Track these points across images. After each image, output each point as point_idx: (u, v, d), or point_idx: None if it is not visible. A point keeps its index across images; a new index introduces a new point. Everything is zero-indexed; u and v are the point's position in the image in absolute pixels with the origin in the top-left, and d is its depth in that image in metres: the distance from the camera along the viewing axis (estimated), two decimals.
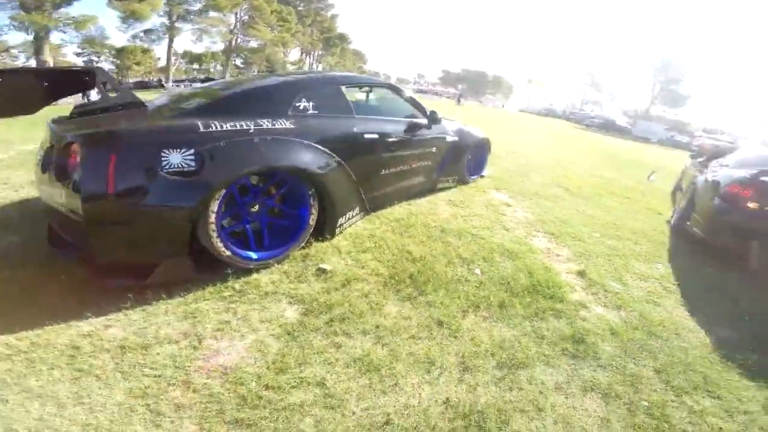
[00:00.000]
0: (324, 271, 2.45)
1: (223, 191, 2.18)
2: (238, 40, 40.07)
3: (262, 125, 2.40)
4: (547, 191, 5.41)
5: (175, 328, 1.91)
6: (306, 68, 47.21)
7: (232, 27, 38.53)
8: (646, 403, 1.77)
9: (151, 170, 2.00)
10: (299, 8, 42.18)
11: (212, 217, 2.16)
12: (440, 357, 1.89)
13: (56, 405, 1.45)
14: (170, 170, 2.02)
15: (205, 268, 2.27)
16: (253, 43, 41.00)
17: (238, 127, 2.30)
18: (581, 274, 2.91)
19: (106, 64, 32.91)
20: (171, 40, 35.79)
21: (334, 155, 2.71)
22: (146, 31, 34.82)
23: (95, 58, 33.52)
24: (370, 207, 3.34)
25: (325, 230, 2.78)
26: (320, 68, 49.54)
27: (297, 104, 2.72)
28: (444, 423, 1.55)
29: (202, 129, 2.19)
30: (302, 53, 49.72)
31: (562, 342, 2.09)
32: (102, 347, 1.74)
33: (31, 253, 2.40)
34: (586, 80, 57.71)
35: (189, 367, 1.69)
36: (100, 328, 1.85)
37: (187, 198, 2.07)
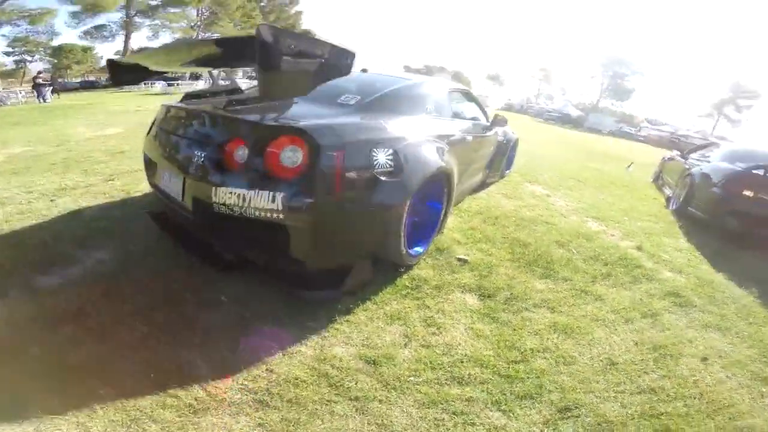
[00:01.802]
0: (465, 261, 2.88)
1: (416, 190, 2.30)
2: (199, 36, 38.85)
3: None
4: (566, 183, 6.24)
5: (392, 333, 2.06)
6: None
7: (193, 23, 37.29)
8: (745, 332, 2.54)
9: (367, 169, 2.05)
10: (262, 3, 41.53)
11: (404, 217, 2.27)
12: (603, 315, 2.49)
13: None
14: (379, 170, 2.10)
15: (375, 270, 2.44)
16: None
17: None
18: (639, 248, 3.69)
19: (41, 64, 30.26)
20: (128, 37, 34.19)
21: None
22: (97, 27, 32.94)
23: (28, 58, 30.89)
24: (454, 203, 3.73)
25: (442, 225, 3.09)
26: None
27: (427, 106, 3.01)
28: (646, 356, 2.16)
29: (389, 129, 2.31)
30: None
31: (667, 296, 2.84)
32: (348, 367, 1.78)
33: (149, 266, 2.41)
34: (540, 75, 60.51)
35: (443, 363, 1.88)
36: (324, 348, 1.89)
37: (396, 197, 2.16)
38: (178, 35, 37.11)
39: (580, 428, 1.64)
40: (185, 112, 2.51)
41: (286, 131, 1.93)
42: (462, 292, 2.55)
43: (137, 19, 34.03)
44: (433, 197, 2.88)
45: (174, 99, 2.96)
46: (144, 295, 2.14)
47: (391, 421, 1.56)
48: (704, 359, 2.22)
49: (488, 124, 4.42)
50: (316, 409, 1.57)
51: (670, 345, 2.28)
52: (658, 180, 7.80)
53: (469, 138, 3.59)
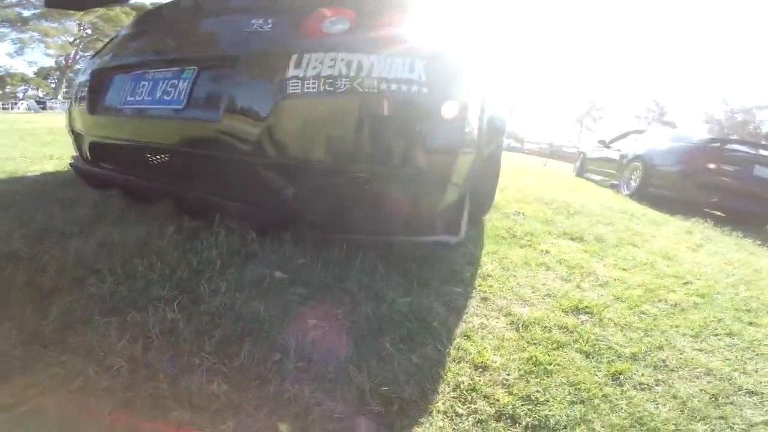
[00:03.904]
0: (521, 213, 2.78)
1: None
2: (77, 55, 33.79)
3: None
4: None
5: (549, 278, 1.71)
6: None
7: (74, 37, 32.49)
8: None
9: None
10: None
11: None
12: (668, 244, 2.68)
13: None
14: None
15: None
16: None
17: None
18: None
19: None
20: None
21: None
22: None
23: None
24: None
25: None
26: None
27: None
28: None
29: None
30: None
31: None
32: (569, 325, 1.28)
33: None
34: None
35: (651, 293, 1.73)
36: (511, 313, 1.32)
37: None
38: (52, 51, 32.16)
39: None
40: None
41: None
42: (555, 237, 2.37)
43: (2, 29, 28.61)
44: None
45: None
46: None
47: (702, 364, 1.21)
48: None
49: None
50: (623, 391, 1.01)
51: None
52: (583, 172, 8.07)
53: None
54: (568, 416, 0.90)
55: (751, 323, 1.61)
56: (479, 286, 1.45)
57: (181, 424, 0.72)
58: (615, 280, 1.82)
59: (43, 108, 20.84)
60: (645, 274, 1.98)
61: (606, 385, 1.01)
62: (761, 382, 1.15)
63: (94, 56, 2.14)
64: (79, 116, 1.95)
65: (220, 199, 1.48)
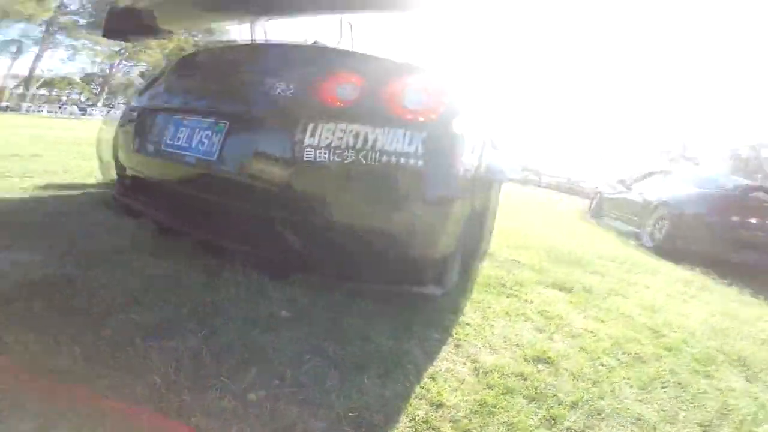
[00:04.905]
0: (518, 261, 3.03)
1: None
2: (120, 63, 36.33)
3: None
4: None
5: (524, 328, 1.90)
6: None
7: (120, 47, 34.93)
8: None
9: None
10: (197, 38, 40.71)
11: None
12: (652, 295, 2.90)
13: None
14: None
15: None
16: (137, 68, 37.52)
17: None
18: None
19: None
20: (39, 55, 30.85)
21: None
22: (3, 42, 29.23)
23: None
24: None
25: None
26: None
27: None
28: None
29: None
30: None
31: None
32: (526, 373, 1.49)
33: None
34: None
35: (605, 348, 1.86)
36: (477, 360, 1.52)
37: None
38: (99, 59, 34.57)
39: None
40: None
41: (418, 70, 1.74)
42: (544, 287, 2.58)
43: (58, 36, 31.04)
44: None
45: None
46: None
47: (635, 413, 1.41)
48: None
49: None
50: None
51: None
52: (600, 216, 7.49)
53: None
54: None
55: (707, 375, 1.80)
56: (456, 333, 1.70)
57: (198, 427, 1.01)
58: (588, 331, 2.03)
59: (83, 113, 22.03)
60: (620, 326, 2.18)
61: (539, 427, 1.24)
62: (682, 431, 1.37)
63: (140, 93, 2.49)
64: (124, 152, 2.28)
65: (239, 244, 1.81)
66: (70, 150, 5.26)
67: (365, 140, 1.55)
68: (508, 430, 1.20)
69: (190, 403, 1.05)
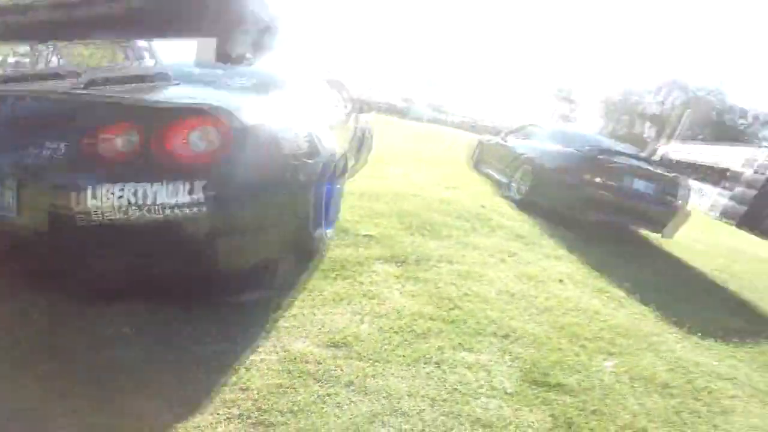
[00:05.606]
0: (370, 236, 3.36)
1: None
2: None
3: None
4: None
5: (342, 314, 2.28)
6: None
7: None
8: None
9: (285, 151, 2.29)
10: None
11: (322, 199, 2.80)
12: (485, 259, 3.51)
13: None
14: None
15: None
16: None
17: None
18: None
19: None
20: None
21: None
22: None
23: None
24: None
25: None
26: None
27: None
28: (528, 284, 2.96)
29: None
30: None
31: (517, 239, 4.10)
32: (323, 358, 1.91)
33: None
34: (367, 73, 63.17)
35: (401, 326, 2.22)
36: (286, 348, 1.96)
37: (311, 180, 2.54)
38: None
39: (523, 347, 2.29)
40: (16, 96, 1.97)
41: (194, 111, 1.76)
42: (381, 263, 2.97)
43: None
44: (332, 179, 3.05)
45: None
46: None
47: (393, 389, 1.79)
48: (560, 281, 3.36)
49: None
50: (321, 408, 1.64)
51: (535, 274, 3.35)
52: (479, 165, 7.72)
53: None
54: None
55: (469, 349, 2.17)
56: (280, 326, 2.12)
57: None
58: (395, 310, 2.41)
59: None
60: (424, 300, 2.62)
61: (316, 402, 1.69)
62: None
63: None
64: None
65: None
66: None
67: (145, 196, 1.65)
68: (293, 405, 1.68)
69: None
